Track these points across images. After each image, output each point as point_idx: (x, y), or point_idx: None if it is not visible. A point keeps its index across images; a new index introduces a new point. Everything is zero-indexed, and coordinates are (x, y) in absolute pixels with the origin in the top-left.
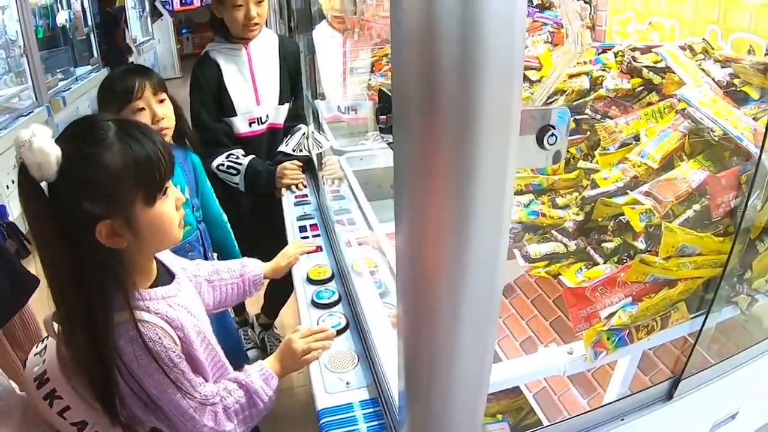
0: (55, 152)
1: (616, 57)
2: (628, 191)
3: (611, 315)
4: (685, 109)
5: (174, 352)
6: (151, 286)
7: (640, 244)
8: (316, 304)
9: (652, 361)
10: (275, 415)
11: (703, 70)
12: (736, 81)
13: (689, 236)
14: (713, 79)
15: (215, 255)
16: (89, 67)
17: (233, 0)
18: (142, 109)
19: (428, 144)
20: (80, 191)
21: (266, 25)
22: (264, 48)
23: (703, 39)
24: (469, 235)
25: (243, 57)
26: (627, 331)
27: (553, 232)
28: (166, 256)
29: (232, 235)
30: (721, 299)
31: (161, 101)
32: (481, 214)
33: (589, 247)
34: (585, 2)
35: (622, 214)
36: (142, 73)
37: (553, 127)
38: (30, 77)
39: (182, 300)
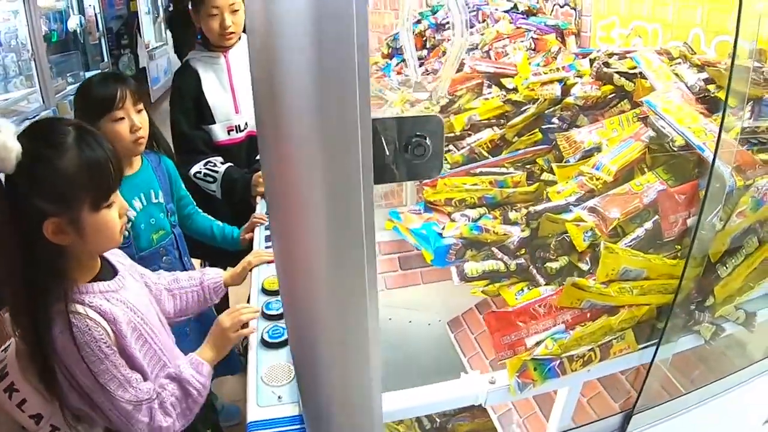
0: (16, 148)
1: (591, 64)
2: (572, 207)
3: (539, 343)
4: (648, 117)
5: (105, 343)
6: (92, 281)
7: (585, 266)
8: (265, 315)
9: (608, 389)
10: None
11: (677, 75)
12: (711, 86)
13: (634, 258)
14: (686, 85)
15: (197, 262)
16: (100, 72)
17: (208, 9)
18: (122, 118)
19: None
20: (33, 188)
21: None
22: (244, 56)
23: (684, 43)
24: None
25: (222, 65)
26: (558, 362)
27: (493, 249)
28: (113, 256)
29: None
30: (677, 328)
31: (139, 111)
32: (328, 231)
33: (531, 267)
34: (571, 8)
35: (566, 231)
36: (121, 81)
37: (424, 138)
38: (37, 81)
39: (123, 296)
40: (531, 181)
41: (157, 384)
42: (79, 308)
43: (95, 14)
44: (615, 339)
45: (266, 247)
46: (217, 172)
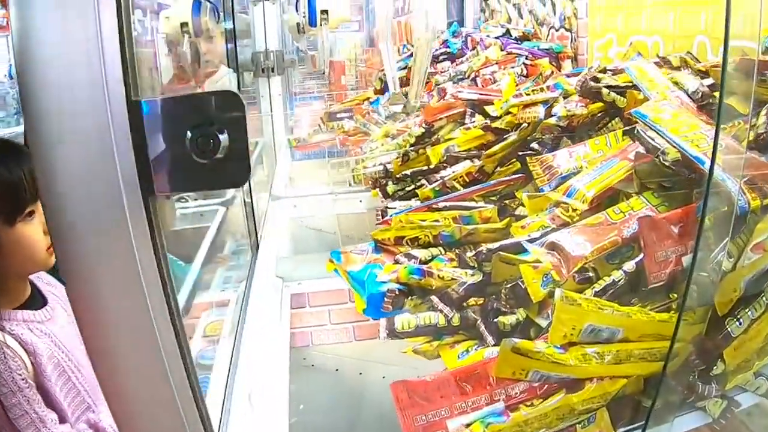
0: None
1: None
2: (527, 245)
3: (468, 426)
4: (636, 129)
5: (21, 375)
6: (18, 309)
7: (544, 321)
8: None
9: None
10: None
11: (676, 83)
12: (717, 93)
13: (603, 313)
14: (686, 92)
15: None
16: None
17: None
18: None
19: None
20: None
21: None
22: None
23: (687, 52)
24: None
25: None
26: None
27: (432, 298)
28: (48, 286)
29: None
30: (671, 407)
31: None
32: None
33: (479, 322)
34: (566, 30)
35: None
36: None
37: (214, 125)
38: None
39: (49, 328)
40: (504, 217)
41: (76, 429)
42: None
43: None
44: (580, 423)
45: (222, 289)
46: None
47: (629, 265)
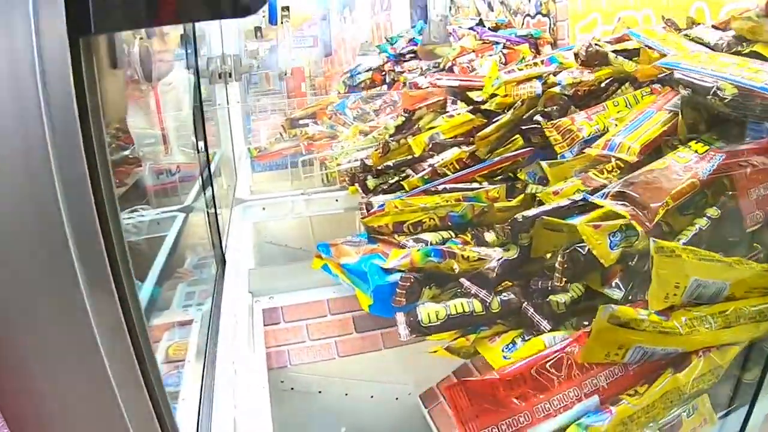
0: None
1: (576, 56)
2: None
3: None
4: (671, 75)
5: None
6: None
7: (616, 292)
8: None
9: None
10: None
11: (692, 40)
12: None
13: (708, 264)
14: (708, 46)
15: None
16: None
17: None
18: None
19: None
20: None
21: None
22: None
23: (688, 17)
24: None
25: None
26: None
27: (463, 281)
28: None
29: None
30: None
31: None
32: None
33: (526, 304)
34: (543, 15)
35: (579, 241)
36: None
37: None
38: None
39: None
40: (512, 197)
41: None
42: None
43: None
44: (685, 412)
45: (184, 306)
46: None
47: (712, 211)
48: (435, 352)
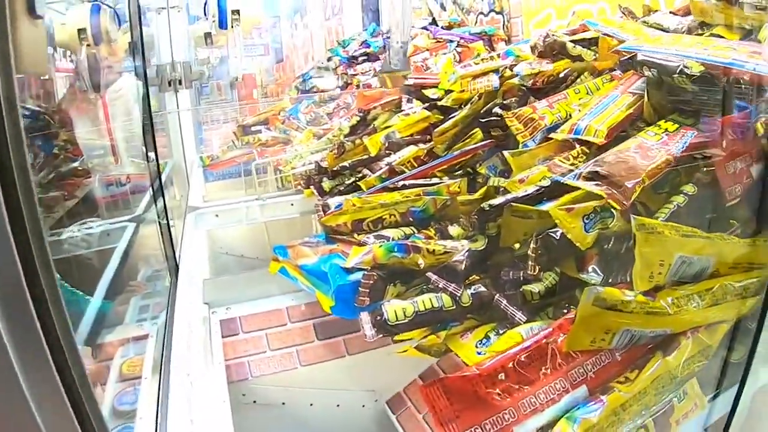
0: None
1: (533, 49)
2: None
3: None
4: (632, 60)
5: None
6: None
7: (593, 277)
8: None
9: None
10: None
11: (651, 26)
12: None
13: (691, 240)
14: (667, 31)
15: None
16: None
17: None
18: None
19: None
20: None
21: None
22: None
23: (644, 5)
24: None
25: None
26: None
27: (430, 275)
28: None
29: None
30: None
31: None
32: None
33: (498, 297)
34: (497, 13)
35: (551, 227)
36: None
37: None
38: None
39: None
40: (473, 191)
41: None
42: None
43: None
44: (676, 397)
45: (138, 320)
46: None
47: (689, 188)
48: (404, 351)
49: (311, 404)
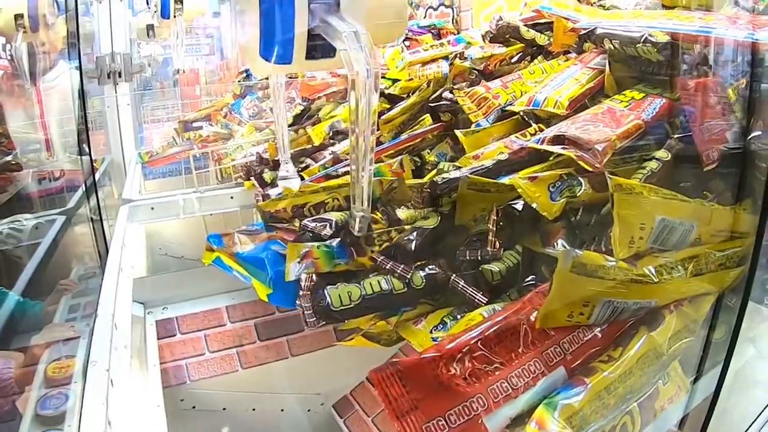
0: None
1: (484, 37)
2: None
3: (516, 422)
4: (590, 37)
5: None
6: None
7: (562, 250)
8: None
9: None
10: None
11: (603, 7)
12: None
13: (672, 202)
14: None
15: None
16: None
17: None
18: None
19: None
20: None
21: None
22: None
23: None
24: None
25: None
26: None
27: (376, 256)
28: None
29: None
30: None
31: None
32: None
33: (455, 278)
34: (446, 6)
35: (515, 198)
36: None
37: None
38: None
39: None
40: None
41: None
42: None
43: None
44: (661, 380)
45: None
46: None
47: (662, 154)
48: (351, 339)
49: (254, 409)
